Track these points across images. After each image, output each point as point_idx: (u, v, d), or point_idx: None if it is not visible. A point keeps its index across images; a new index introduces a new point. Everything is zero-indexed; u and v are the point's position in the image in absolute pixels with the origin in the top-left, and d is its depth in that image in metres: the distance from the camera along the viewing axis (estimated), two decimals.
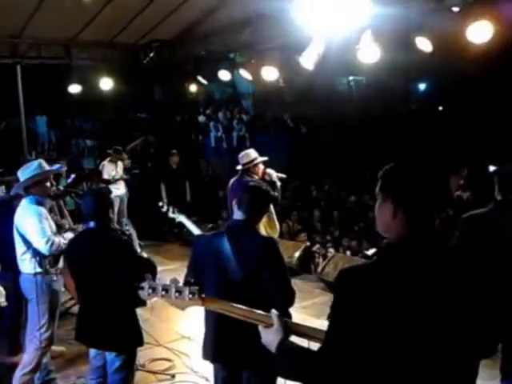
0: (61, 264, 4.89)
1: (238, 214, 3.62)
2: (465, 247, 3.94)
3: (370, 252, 8.55)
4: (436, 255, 1.79)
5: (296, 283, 8.13)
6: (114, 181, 9.88)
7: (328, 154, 13.37)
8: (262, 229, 6.68)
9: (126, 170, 10.61)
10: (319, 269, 8.30)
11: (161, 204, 6.26)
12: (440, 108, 14.74)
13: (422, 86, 15.56)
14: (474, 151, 11.44)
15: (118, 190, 9.97)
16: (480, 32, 6.30)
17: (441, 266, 1.77)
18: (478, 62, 8.01)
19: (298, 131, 14.64)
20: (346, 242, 9.08)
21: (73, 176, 7.13)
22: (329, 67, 9.25)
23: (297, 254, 8.63)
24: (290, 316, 3.58)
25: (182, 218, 6.08)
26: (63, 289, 5.22)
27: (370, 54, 7.18)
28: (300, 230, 9.82)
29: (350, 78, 16.06)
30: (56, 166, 5.76)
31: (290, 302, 3.52)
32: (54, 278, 4.87)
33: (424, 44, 7.00)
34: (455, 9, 6.89)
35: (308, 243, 9.08)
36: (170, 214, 6.14)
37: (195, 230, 5.83)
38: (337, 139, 13.85)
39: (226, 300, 2.46)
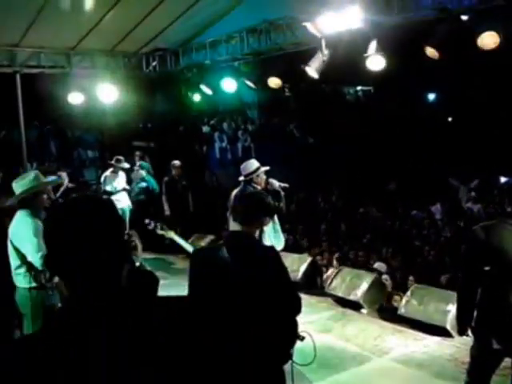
0: (57, 278, 4.72)
1: (234, 226, 3.54)
2: (474, 259, 3.83)
3: (377, 265, 8.38)
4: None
5: (303, 297, 7.98)
6: (115, 192, 9.71)
7: (335, 164, 13.20)
8: (267, 240, 6.53)
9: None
10: (326, 283, 8.09)
11: (147, 221, 6.04)
12: (449, 119, 14.61)
13: (431, 96, 15.44)
14: (484, 162, 11.27)
15: (120, 201, 9.80)
16: (489, 40, 6.19)
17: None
18: (487, 70, 7.90)
19: (305, 141, 14.49)
20: (353, 254, 8.89)
21: (62, 188, 6.96)
22: (336, 76, 9.14)
23: (302, 268, 8.40)
24: (296, 324, 3.57)
25: (171, 235, 5.90)
26: (60, 304, 5.04)
27: (376, 62, 7.06)
28: (306, 243, 9.62)
29: (358, 88, 15.96)
30: (52, 178, 5.62)
31: (297, 310, 3.45)
32: (50, 293, 4.70)
33: (432, 53, 6.87)
34: (464, 17, 6.78)
35: (314, 256, 8.87)
36: (159, 231, 5.95)
37: (187, 247, 5.65)
38: (344, 149, 13.68)
39: (230, 315, 2.26)
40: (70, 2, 7.92)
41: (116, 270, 1.52)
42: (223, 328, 2.69)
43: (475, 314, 3.85)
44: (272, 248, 3.64)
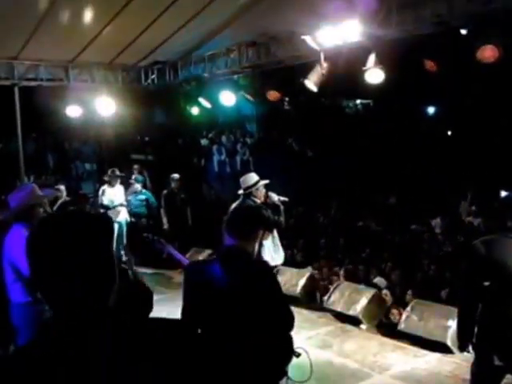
0: None
1: (228, 240, 3.49)
2: (475, 274, 3.80)
3: (377, 280, 8.31)
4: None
5: (301, 313, 7.95)
6: (112, 207, 9.65)
7: (334, 178, 13.17)
8: (267, 255, 6.49)
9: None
10: (325, 298, 8.01)
11: (145, 234, 6.07)
12: (449, 133, 14.61)
13: (430, 110, 15.45)
14: (485, 176, 11.24)
15: (117, 215, 9.75)
16: (488, 54, 6.19)
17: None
18: (486, 84, 7.91)
19: (304, 154, 14.46)
20: (353, 269, 8.82)
21: (59, 202, 6.92)
22: (335, 90, 9.14)
23: (301, 283, 8.33)
24: (290, 340, 3.56)
25: (169, 249, 5.88)
26: None
27: (375, 75, 7.05)
28: (305, 257, 9.55)
29: (358, 101, 15.97)
30: (48, 191, 5.57)
31: (290, 326, 3.44)
32: (46, 308, 4.62)
33: (430, 66, 6.87)
34: (463, 31, 6.78)
35: (313, 271, 8.80)
36: (157, 245, 5.93)
37: (184, 260, 5.62)
38: (343, 163, 13.66)
39: (222, 330, 2.33)
40: (69, 15, 7.92)
41: (102, 287, 1.47)
42: (216, 343, 2.67)
43: (476, 329, 3.80)
44: (265, 263, 3.63)
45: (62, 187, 8.73)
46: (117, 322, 1.44)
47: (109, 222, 1.57)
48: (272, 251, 6.65)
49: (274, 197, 6.64)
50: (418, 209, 11.49)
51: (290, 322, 3.41)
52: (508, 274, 3.63)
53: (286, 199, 6.74)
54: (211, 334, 3.22)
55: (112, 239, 1.55)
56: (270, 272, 3.50)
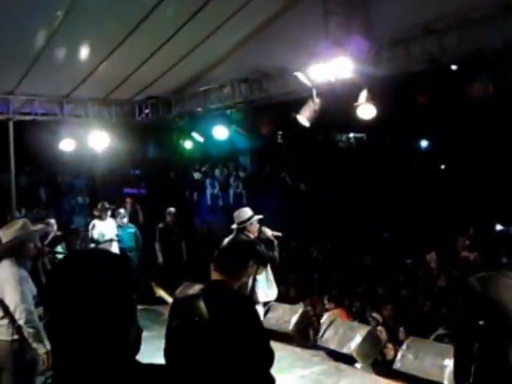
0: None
1: (214, 275, 3.59)
2: (470, 313, 3.75)
3: (371, 316, 8.20)
4: None
5: (293, 350, 7.83)
6: (103, 241, 9.57)
7: (328, 212, 13.16)
8: (261, 290, 6.45)
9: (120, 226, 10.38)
10: (318, 335, 7.89)
11: (137, 275, 6.02)
12: (442, 166, 14.70)
13: (423, 144, 15.55)
14: (480, 210, 11.26)
15: (109, 249, 9.66)
16: (479, 90, 6.27)
17: None
18: (478, 119, 8.00)
19: (297, 189, 14.48)
20: (347, 304, 8.73)
21: (50, 236, 6.88)
22: (327, 124, 9.21)
23: (294, 319, 8.20)
24: (272, 379, 3.53)
25: (160, 293, 5.88)
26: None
27: (367, 111, 7.11)
28: (298, 293, 9.44)
29: (351, 134, 16.06)
30: (39, 226, 5.53)
31: (270, 363, 3.47)
32: (32, 346, 4.54)
33: (422, 102, 6.95)
34: (453, 67, 6.89)
35: (306, 307, 8.69)
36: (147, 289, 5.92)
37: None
38: (337, 197, 13.67)
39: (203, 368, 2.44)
40: (65, 51, 8.01)
41: (123, 336, 1.42)
42: (198, 380, 2.68)
43: (473, 369, 3.73)
44: (248, 299, 3.68)
45: (53, 221, 8.67)
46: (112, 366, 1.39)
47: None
48: (265, 286, 6.60)
49: (268, 232, 6.62)
50: (412, 243, 11.46)
51: (270, 359, 3.45)
52: (503, 312, 3.58)
53: (279, 234, 6.73)
54: (192, 371, 3.23)
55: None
56: (251, 308, 3.56)
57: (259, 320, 3.68)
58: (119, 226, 10.83)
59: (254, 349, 3.41)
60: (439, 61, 6.56)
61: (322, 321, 8.15)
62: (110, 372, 1.37)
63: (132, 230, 10.97)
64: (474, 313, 3.72)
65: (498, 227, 10.52)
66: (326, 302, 8.68)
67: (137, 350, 1.49)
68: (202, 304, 3.40)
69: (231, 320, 3.38)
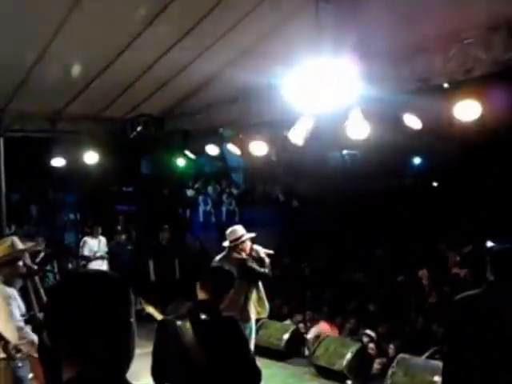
0: (25, 349, 4.53)
1: (201, 295, 3.66)
2: (457, 331, 3.75)
3: (363, 333, 8.20)
4: None
5: (286, 367, 7.82)
6: (94, 258, 9.54)
7: (320, 229, 13.18)
8: (252, 307, 6.45)
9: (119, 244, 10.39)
10: (310, 352, 7.88)
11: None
12: (435, 184, 14.78)
13: (416, 161, 15.64)
14: (471, 227, 11.33)
15: (99, 267, 9.62)
16: (468, 110, 6.34)
17: None
18: (468, 139, 8.08)
19: (290, 206, 14.51)
20: (340, 322, 8.72)
21: (42, 254, 6.85)
22: (320, 142, 9.24)
23: (285, 337, 8.21)
24: None
25: (149, 310, 5.92)
26: (31, 375, 4.81)
27: (359, 130, 7.17)
28: (290, 310, 9.43)
29: (344, 152, 16.11)
30: (29, 244, 5.51)
31: (256, 382, 3.52)
32: (20, 365, 4.50)
33: (413, 122, 7.01)
34: (445, 85, 6.95)
35: (297, 324, 8.68)
36: (137, 306, 5.93)
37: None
38: (330, 215, 13.70)
39: None
40: (57, 68, 8.03)
41: (113, 359, 1.44)
42: None
43: None
44: (233, 319, 3.68)
45: (40, 239, 8.64)
46: None
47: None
48: (257, 304, 6.61)
49: (260, 250, 6.67)
50: (404, 260, 11.48)
51: (256, 379, 3.49)
52: (491, 330, 3.56)
53: (271, 252, 6.76)
54: None
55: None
56: (237, 329, 3.59)
57: (245, 340, 3.73)
58: (118, 243, 10.86)
59: (240, 369, 3.44)
60: (428, 81, 6.64)
61: (308, 336, 8.17)
62: None
63: (129, 247, 11.05)
64: (461, 331, 3.72)
65: (489, 244, 10.62)
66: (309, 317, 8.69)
67: (126, 370, 1.51)
68: (187, 325, 3.45)
69: (217, 341, 3.44)
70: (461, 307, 3.80)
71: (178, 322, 3.49)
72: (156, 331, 3.67)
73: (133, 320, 1.49)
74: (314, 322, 8.77)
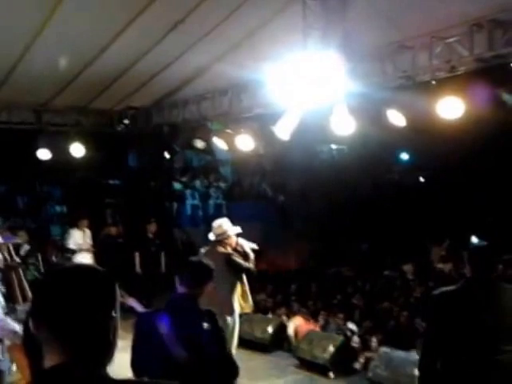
0: (7, 342, 4.52)
1: (180, 288, 3.65)
2: (434, 326, 3.79)
3: (347, 327, 8.28)
4: None
5: (269, 360, 7.88)
6: (79, 251, 9.52)
7: (307, 223, 13.23)
8: (236, 301, 6.48)
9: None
10: (294, 345, 7.94)
11: None
12: (421, 179, 14.86)
13: (404, 157, 15.70)
14: (456, 222, 11.44)
15: (84, 259, 9.61)
16: (452, 107, 6.41)
17: None
18: (452, 136, 8.14)
19: (277, 200, 14.54)
20: (324, 316, 8.78)
21: (27, 247, 6.83)
22: (307, 136, 9.28)
23: (270, 330, 8.25)
24: None
25: (131, 303, 5.89)
26: (14, 367, 4.81)
27: (344, 125, 7.22)
28: (274, 304, 9.49)
29: (333, 146, 16.13)
30: (7, 238, 5.48)
31: (234, 376, 3.54)
32: (0, 358, 4.49)
33: (397, 118, 7.06)
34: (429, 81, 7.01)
35: (282, 317, 8.74)
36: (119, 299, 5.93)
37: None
38: (317, 209, 13.75)
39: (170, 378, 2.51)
40: (44, 60, 8.00)
41: (94, 353, 1.46)
42: None
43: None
44: (211, 312, 3.68)
45: (22, 232, 8.60)
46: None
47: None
48: (241, 299, 6.63)
49: (245, 245, 6.68)
50: (390, 255, 11.58)
51: (233, 372, 3.52)
52: (468, 325, 3.60)
53: (255, 247, 6.78)
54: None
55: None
56: (213, 321, 3.59)
57: (223, 334, 3.73)
58: (107, 236, 10.81)
59: (218, 362, 3.46)
60: (412, 77, 6.71)
61: (288, 330, 8.26)
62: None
63: (120, 240, 11.03)
64: (438, 327, 3.76)
65: (474, 239, 10.75)
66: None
67: (109, 360, 1.55)
68: (166, 316, 3.45)
69: (195, 334, 3.44)
70: (438, 302, 3.84)
71: (157, 315, 3.50)
72: (135, 324, 3.66)
73: (116, 314, 1.52)
74: (294, 315, 8.84)
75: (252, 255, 6.66)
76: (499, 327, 3.62)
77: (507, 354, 3.61)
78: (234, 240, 6.64)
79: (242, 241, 6.72)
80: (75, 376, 1.41)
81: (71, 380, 1.41)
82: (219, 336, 3.57)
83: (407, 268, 10.99)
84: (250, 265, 6.62)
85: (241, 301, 6.69)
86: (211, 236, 6.69)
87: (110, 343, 1.49)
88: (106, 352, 1.49)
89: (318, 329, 8.37)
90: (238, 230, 6.73)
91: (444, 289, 3.90)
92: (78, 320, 1.42)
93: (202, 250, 6.74)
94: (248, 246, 6.70)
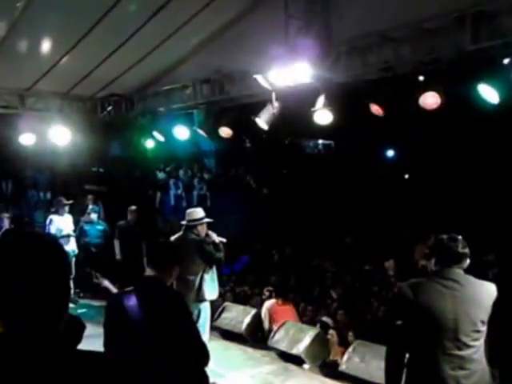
0: None
1: (148, 271, 3.71)
2: (401, 318, 3.82)
3: (323, 320, 8.27)
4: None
5: (245, 350, 7.89)
6: (60, 236, 9.45)
7: (290, 217, 13.24)
8: (206, 288, 6.55)
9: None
10: (269, 336, 7.94)
11: (88, 270, 6.16)
12: (406, 176, 14.90)
13: (390, 153, 15.73)
14: (440, 219, 11.45)
15: (65, 245, 9.54)
16: (433, 100, 6.39)
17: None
18: (434, 129, 8.17)
19: (260, 192, 14.55)
20: (302, 307, 8.79)
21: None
22: (290, 129, 9.27)
23: (247, 320, 8.26)
24: (206, 376, 3.59)
25: (106, 284, 6.03)
26: None
27: (324, 116, 7.20)
28: (252, 294, 9.49)
29: (319, 141, 16.16)
30: None
31: (204, 359, 3.53)
32: None
33: (376, 110, 7.05)
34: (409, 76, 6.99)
35: (259, 308, 8.74)
36: (94, 280, 6.08)
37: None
38: (300, 202, 13.76)
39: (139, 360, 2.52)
40: (27, 43, 7.91)
41: (55, 314, 1.46)
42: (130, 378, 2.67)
43: (404, 377, 3.76)
44: (178, 294, 3.74)
45: (5, 215, 8.56)
46: (44, 352, 1.41)
47: (61, 248, 1.55)
48: (209, 285, 6.72)
49: (213, 235, 6.83)
50: (372, 249, 11.57)
51: (203, 354, 3.51)
52: (434, 318, 3.60)
53: (223, 240, 6.90)
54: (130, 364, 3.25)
55: (65, 268, 1.54)
56: (182, 302, 3.65)
57: (190, 315, 3.79)
58: (87, 222, 10.81)
59: (187, 344, 3.46)
60: (394, 69, 6.67)
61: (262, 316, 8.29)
62: (48, 357, 1.40)
63: (101, 227, 11.01)
64: (404, 319, 3.77)
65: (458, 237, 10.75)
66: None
67: (78, 340, 1.53)
68: (135, 298, 3.45)
69: (163, 315, 3.45)
70: (404, 294, 3.85)
71: (126, 296, 3.51)
72: (106, 305, 3.70)
73: (67, 283, 1.52)
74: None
75: (221, 246, 6.78)
76: (461, 320, 3.61)
77: (470, 348, 3.61)
78: (204, 229, 6.77)
79: (211, 232, 6.88)
80: (38, 349, 1.40)
81: (22, 345, 1.39)
82: (186, 318, 3.61)
83: (388, 264, 10.99)
84: (221, 255, 6.76)
85: (210, 288, 6.77)
86: (184, 222, 6.82)
87: (60, 311, 1.48)
88: (57, 320, 1.47)
89: (292, 311, 8.38)
90: (211, 220, 6.93)
91: (412, 281, 3.91)
92: (26, 285, 1.41)
93: (174, 237, 6.90)
94: (216, 237, 6.83)
